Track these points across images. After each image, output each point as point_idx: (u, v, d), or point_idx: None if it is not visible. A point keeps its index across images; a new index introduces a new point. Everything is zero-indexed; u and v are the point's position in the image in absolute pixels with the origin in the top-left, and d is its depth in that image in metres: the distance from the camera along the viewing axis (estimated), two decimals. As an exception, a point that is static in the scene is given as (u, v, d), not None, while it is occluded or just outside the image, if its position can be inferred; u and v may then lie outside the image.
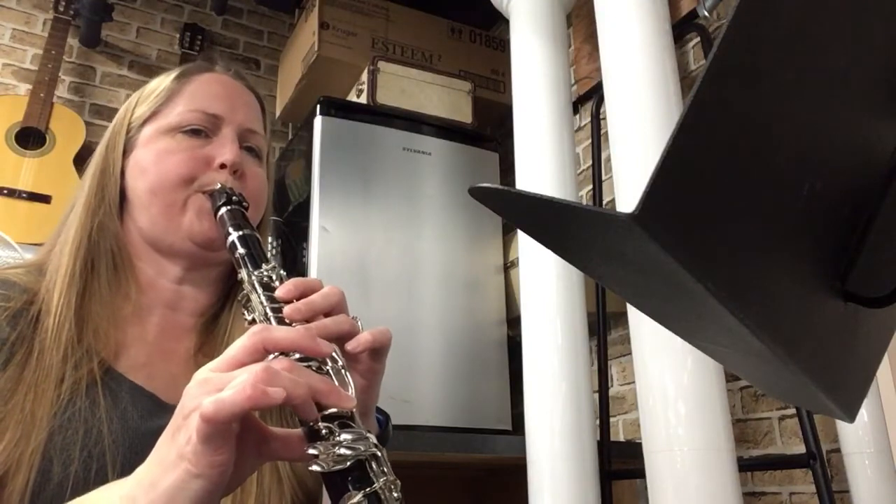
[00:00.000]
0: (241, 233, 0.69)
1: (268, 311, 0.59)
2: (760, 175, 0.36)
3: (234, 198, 0.72)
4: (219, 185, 0.73)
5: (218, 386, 0.46)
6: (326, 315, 0.59)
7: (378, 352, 0.61)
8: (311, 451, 0.48)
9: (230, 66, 0.85)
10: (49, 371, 0.64)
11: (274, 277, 0.64)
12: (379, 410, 0.69)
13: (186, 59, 2.63)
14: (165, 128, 0.77)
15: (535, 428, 1.47)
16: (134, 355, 0.71)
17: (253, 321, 0.61)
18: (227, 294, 0.80)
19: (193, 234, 0.73)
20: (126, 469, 0.55)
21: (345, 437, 0.49)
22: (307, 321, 0.58)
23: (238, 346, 0.50)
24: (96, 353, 0.67)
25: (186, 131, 0.76)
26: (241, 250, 0.67)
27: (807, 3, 0.37)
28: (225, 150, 0.76)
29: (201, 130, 0.77)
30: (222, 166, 0.75)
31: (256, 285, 0.62)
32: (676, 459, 1.21)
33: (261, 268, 0.65)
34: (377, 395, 0.64)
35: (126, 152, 0.78)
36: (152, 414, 0.67)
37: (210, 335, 0.76)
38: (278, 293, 0.60)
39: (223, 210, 0.71)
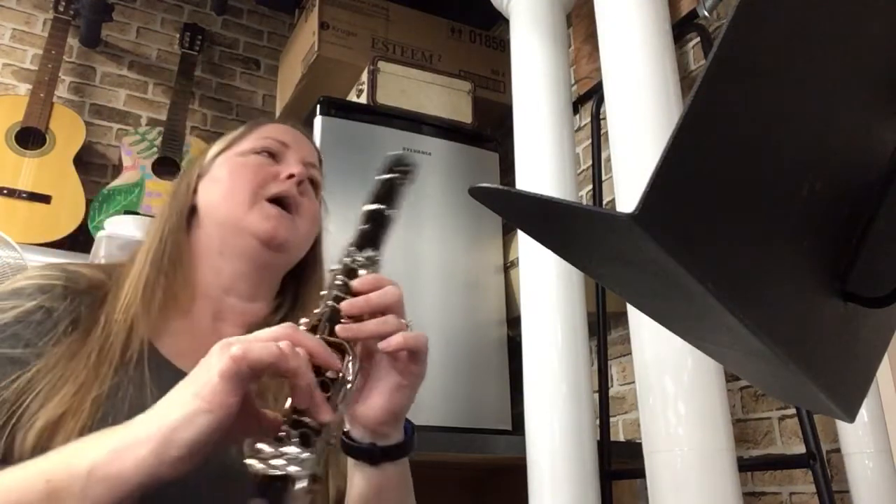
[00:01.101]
0: (375, 207, 0.66)
1: (333, 294, 0.62)
2: (760, 175, 0.36)
3: (404, 167, 0.69)
4: (395, 155, 0.71)
5: (244, 344, 0.52)
6: (382, 313, 0.61)
7: (415, 354, 0.62)
8: (257, 446, 0.51)
9: (291, 122, 0.94)
10: (115, 339, 0.69)
11: (366, 263, 0.64)
12: (410, 423, 0.68)
13: (186, 59, 2.63)
14: (239, 152, 0.84)
15: (535, 428, 1.47)
16: (178, 343, 0.75)
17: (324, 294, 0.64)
18: (278, 307, 0.84)
19: (258, 232, 0.79)
20: None
21: (291, 449, 0.51)
22: (360, 318, 0.61)
23: (266, 332, 0.55)
24: (145, 336, 0.71)
25: (258, 152, 0.84)
26: (361, 224, 0.67)
27: (807, 4, 0.37)
28: (291, 166, 0.83)
29: (272, 153, 0.85)
30: (290, 177, 0.82)
31: (340, 267, 0.64)
32: (676, 459, 1.21)
33: (362, 251, 0.65)
34: (411, 399, 0.65)
35: (200, 176, 0.85)
36: None
37: None
38: (354, 283, 0.63)
39: (386, 175, 0.68)
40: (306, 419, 0.53)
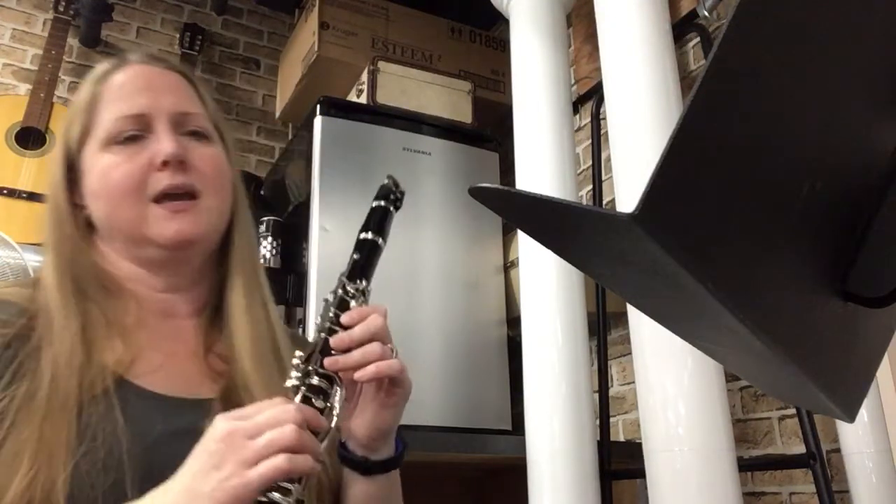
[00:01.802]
0: (365, 236, 0.72)
1: (326, 326, 0.68)
2: (760, 175, 0.36)
3: (391, 196, 0.74)
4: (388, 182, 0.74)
5: (250, 457, 0.55)
6: (367, 341, 0.66)
7: (393, 379, 0.68)
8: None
9: (145, 53, 0.82)
10: (66, 399, 0.63)
11: (356, 295, 0.70)
12: (401, 438, 0.74)
13: (186, 59, 2.62)
14: (99, 144, 0.74)
15: (535, 428, 1.47)
16: (148, 360, 0.71)
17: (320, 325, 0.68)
18: (222, 284, 0.79)
19: (160, 241, 0.73)
20: (146, 479, 0.60)
21: (275, 496, 0.57)
22: (348, 350, 0.66)
23: (264, 421, 0.57)
24: (109, 369, 0.66)
25: (120, 142, 0.74)
26: (354, 254, 0.72)
27: (807, 4, 0.37)
28: (159, 145, 0.73)
29: (134, 135, 0.74)
30: (164, 164, 0.72)
31: (333, 299, 0.69)
32: (676, 459, 1.21)
33: (355, 282, 0.70)
34: (397, 417, 0.70)
35: (74, 181, 0.76)
36: (171, 414, 0.68)
37: (213, 329, 0.77)
38: (343, 318, 0.67)
39: (374, 204, 0.74)
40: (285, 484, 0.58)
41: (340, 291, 0.69)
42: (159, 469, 0.59)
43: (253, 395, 0.70)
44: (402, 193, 0.75)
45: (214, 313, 0.78)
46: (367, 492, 0.71)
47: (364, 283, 0.71)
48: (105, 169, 0.73)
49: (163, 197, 0.73)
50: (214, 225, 0.77)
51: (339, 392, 0.65)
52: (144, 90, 0.76)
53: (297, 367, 0.65)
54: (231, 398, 0.70)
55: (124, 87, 0.76)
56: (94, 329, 0.69)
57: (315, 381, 0.64)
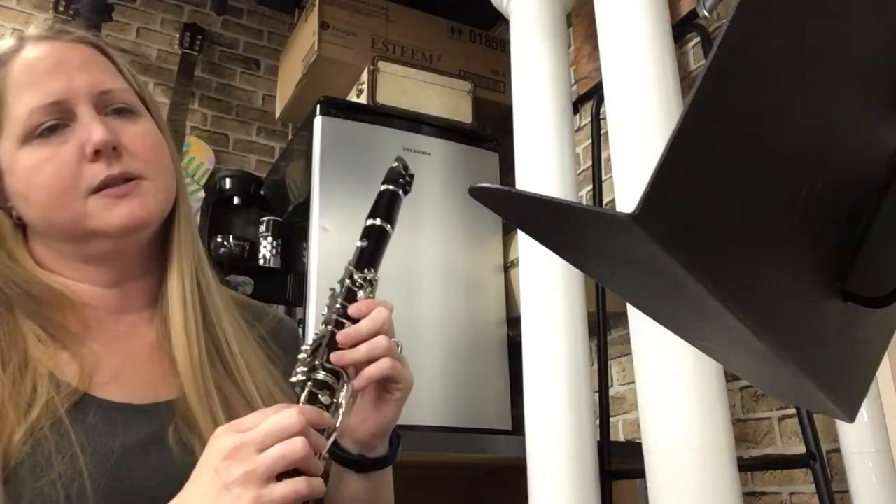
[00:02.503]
0: (372, 222, 0.69)
1: (333, 318, 0.66)
2: (761, 175, 0.36)
3: (401, 180, 0.71)
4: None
5: (262, 473, 0.52)
6: (374, 335, 0.65)
7: (388, 378, 0.66)
8: None
9: (45, 26, 0.72)
10: (7, 425, 0.57)
11: (364, 285, 0.68)
12: (396, 434, 0.72)
13: (186, 59, 2.62)
14: (15, 141, 0.66)
15: (535, 428, 1.47)
16: (105, 369, 0.66)
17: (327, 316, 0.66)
18: (164, 266, 0.73)
19: (109, 230, 0.66)
20: (108, 495, 0.57)
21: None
22: (354, 344, 0.64)
23: (272, 430, 0.54)
24: (63, 387, 0.61)
25: (40, 135, 0.65)
26: (360, 242, 0.69)
27: (807, 4, 0.37)
28: (87, 133, 0.65)
29: (54, 125, 0.66)
30: (96, 153, 0.65)
31: (341, 289, 0.67)
32: (676, 459, 1.21)
33: (362, 271, 0.68)
34: (397, 414, 0.68)
35: None
36: (131, 425, 0.63)
37: (165, 321, 0.71)
38: (351, 310, 0.66)
39: (382, 188, 0.71)
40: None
41: (348, 281, 0.67)
42: (127, 488, 0.57)
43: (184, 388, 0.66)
44: (412, 176, 0.72)
45: (166, 300, 0.73)
46: (362, 490, 0.70)
47: (372, 272, 0.68)
48: (29, 168, 0.65)
49: (102, 187, 0.66)
50: (162, 205, 0.70)
51: (346, 388, 0.63)
52: (55, 72, 0.67)
53: (302, 361, 0.63)
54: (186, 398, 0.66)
55: (32, 71, 0.67)
56: (33, 348, 0.62)
57: (321, 375, 0.62)
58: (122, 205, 0.66)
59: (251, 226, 2.25)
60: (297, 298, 1.84)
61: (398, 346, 0.66)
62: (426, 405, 1.74)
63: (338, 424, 0.62)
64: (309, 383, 0.62)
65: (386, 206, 0.70)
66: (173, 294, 0.71)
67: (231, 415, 0.64)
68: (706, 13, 1.62)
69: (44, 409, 0.59)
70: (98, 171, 0.65)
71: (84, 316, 0.68)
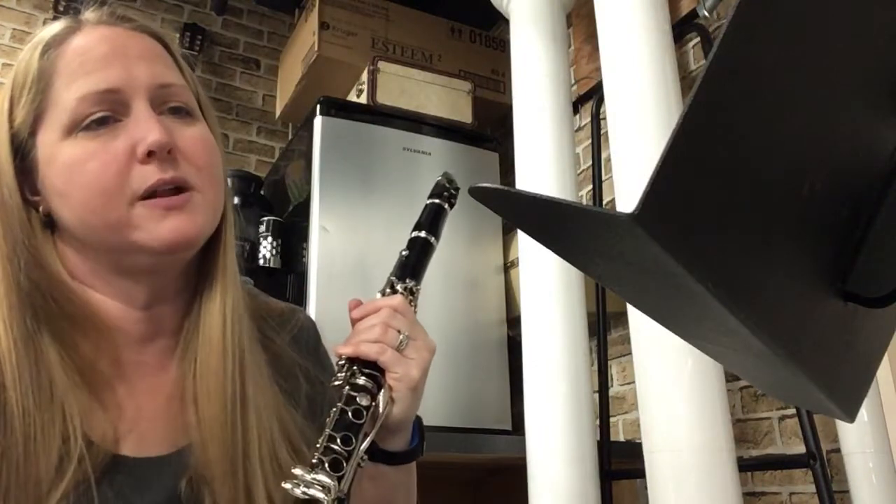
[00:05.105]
0: (417, 234, 0.72)
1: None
2: (760, 175, 0.36)
3: (445, 193, 0.73)
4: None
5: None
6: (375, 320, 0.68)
7: (382, 365, 0.66)
8: (293, 471, 0.55)
9: (106, 10, 0.64)
10: (38, 482, 0.53)
11: (405, 295, 0.71)
12: (418, 428, 0.74)
13: (186, 59, 2.62)
14: (60, 130, 0.59)
15: (535, 428, 1.47)
16: (128, 415, 0.60)
17: None
18: (198, 289, 0.66)
19: (155, 246, 0.59)
20: None
21: (321, 476, 0.55)
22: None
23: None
24: (94, 448, 0.56)
25: (86, 127, 0.59)
26: (404, 251, 0.71)
27: (807, 3, 0.37)
28: (142, 131, 0.58)
29: (104, 117, 0.59)
30: (149, 154, 0.58)
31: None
32: (676, 459, 1.21)
33: (404, 281, 0.70)
34: (414, 407, 0.70)
35: (27, 172, 0.61)
36: (150, 484, 0.59)
37: (192, 356, 0.64)
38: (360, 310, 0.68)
39: (428, 201, 0.73)
40: (336, 446, 0.58)
41: (388, 290, 0.69)
42: None
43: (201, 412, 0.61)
44: (457, 189, 0.73)
45: (196, 331, 0.65)
46: (380, 485, 0.69)
47: (413, 282, 0.70)
48: (71, 163, 0.58)
49: (151, 194, 0.59)
50: (210, 222, 0.63)
51: (383, 392, 0.64)
52: (113, 59, 0.60)
53: (340, 367, 0.64)
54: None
55: (86, 55, 0.60)
56: (62, 380, 0.56)
57: (361, 381, 0.63)
58: (171, 218, 0.59)
59: (251, 226, 2.25)
60: (297, 298, 1.84)
61: (401, 339, 0.67)
62: (426, 405, 1.73)
63: (377, 426, 0.62)
64: (346, 387, 0.62)
65: (430, 219, 0.72)
66: (212, 329, 0.63)
67: (249, 467, 0.61)
68: (706, 13, 1.62)
69: (77, 470, 0.54)
70: (149, 175, 0.58)
71: (114, 347, 0.62)
